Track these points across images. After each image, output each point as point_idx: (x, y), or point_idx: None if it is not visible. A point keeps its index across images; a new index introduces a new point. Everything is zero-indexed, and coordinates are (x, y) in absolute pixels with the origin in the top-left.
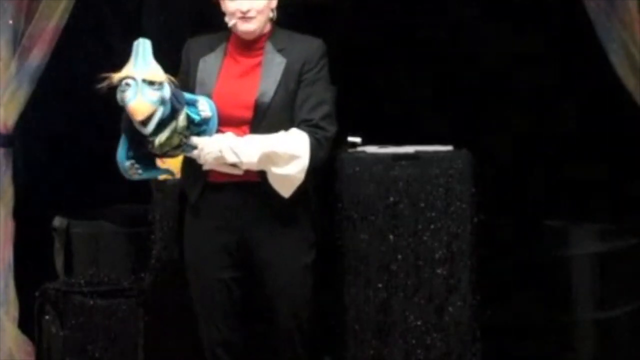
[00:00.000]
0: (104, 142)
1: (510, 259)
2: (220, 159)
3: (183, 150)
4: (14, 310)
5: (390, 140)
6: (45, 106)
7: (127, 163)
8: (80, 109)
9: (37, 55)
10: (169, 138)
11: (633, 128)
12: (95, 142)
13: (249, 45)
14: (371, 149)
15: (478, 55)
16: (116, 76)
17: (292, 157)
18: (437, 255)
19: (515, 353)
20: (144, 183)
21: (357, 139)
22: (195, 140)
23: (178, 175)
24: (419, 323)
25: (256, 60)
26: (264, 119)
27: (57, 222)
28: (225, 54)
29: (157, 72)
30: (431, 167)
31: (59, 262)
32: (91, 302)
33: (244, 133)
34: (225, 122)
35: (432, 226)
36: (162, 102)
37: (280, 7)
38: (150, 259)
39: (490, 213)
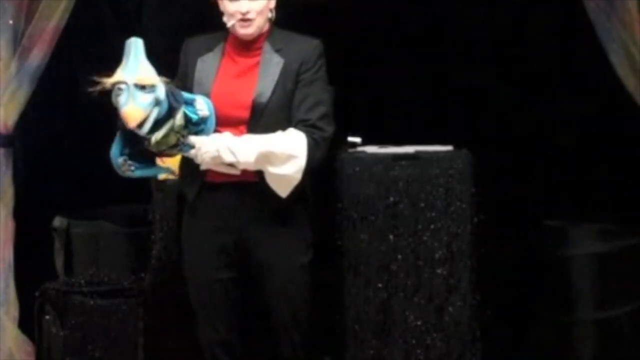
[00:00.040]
0: (104, 142)
1: (510, 259)
2: (217, 159)
3: (180, 150)
4: (14, 310)
5: (390, 140)
6: (45, 106)
7: (120, 159)
8: (81, 109)
9: (37, 55)
10: (165, 136)
11: (633, 128)
12: (95, 142)
13: (247, 45)
14: (371, 149)
15: (478, 55)
16: (109, 81)
17: (290, 157)
18: (437, 255)
19: (515, 353)
20: (144, 183)
21: (357, 139)
22: (192, 139)
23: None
24: (419, 323)
25: (254, 60)
26: (261, 119)
27: (57, 222)
28: (223, 54)
29: (148, 75)
30: (431, 167)
31: (59, 262)
32: (91, 302)
33: (242, 133)
34: (223, 122)
35: (432, 226)
36: (157, 102)
37: (279, 7)
38: (150, 259)
39: (490, 213)
